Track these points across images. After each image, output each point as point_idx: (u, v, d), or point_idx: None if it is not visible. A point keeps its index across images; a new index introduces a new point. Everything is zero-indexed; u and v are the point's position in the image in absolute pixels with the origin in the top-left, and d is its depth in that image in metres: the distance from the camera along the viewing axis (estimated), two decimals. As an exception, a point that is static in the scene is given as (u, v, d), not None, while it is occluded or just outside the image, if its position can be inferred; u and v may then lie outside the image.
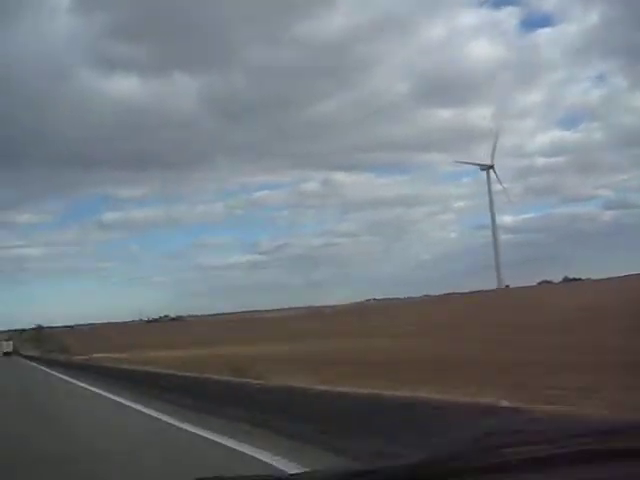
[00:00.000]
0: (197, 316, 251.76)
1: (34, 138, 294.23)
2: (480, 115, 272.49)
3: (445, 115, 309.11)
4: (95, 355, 50.30)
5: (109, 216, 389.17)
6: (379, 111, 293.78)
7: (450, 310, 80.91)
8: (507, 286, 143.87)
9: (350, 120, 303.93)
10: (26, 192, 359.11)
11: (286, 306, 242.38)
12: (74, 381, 24.93)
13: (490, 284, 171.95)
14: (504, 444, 1.58)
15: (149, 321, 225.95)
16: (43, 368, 40.91)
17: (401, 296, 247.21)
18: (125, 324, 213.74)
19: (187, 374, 17.13)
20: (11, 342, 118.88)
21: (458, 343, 28.85)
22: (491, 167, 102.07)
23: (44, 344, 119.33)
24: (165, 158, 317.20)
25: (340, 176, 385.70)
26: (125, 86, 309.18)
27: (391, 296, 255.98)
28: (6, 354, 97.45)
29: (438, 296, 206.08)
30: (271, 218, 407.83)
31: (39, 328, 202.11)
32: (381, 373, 15.64)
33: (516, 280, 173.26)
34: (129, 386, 18.27)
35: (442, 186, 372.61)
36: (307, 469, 1.89)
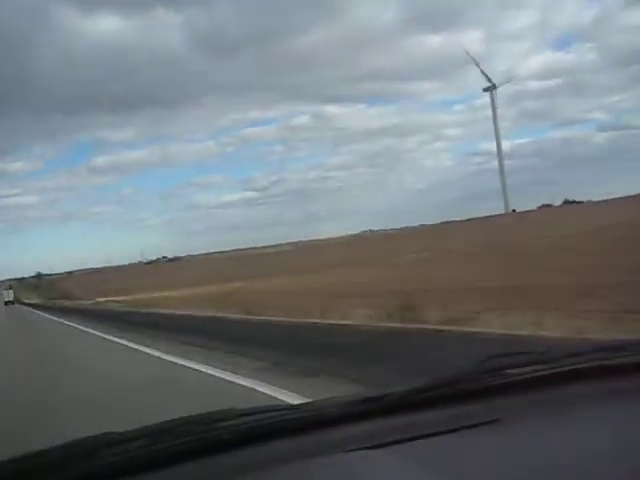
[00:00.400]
0: (194, 256, 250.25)
1: (18, 84, 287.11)
2: (470, 40, 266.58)
3: (433, 42, 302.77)
4: (99, 299, 48.05)
5: (100, 160, 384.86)
6: (367, 41, 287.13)
7: (462, 236, 78.20)
8: (514, 210, 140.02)
9: (338, 51, 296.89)
10: (15, 140, 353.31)
11: (283, 241, 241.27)
12: (82, 327, 22.64)
13: (488, 211, 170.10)
14: (507, 365, 1.68)
15: (147, 263, 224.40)
16: (47, 316, 38.29)
17: (397, 226, 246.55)
18: (123, 267, 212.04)
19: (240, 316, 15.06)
20: (12, 291, 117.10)
21: (493, 269, 25.82)
22: (495, 87, 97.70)
23: (45, 291, 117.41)
24: (153, 98, 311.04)
25: (331, 108, 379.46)
26: (107, 25, 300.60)
27: (387, 227, 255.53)
28: (7, 303, 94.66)
29: (435, 225, 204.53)
30: (264, 154, 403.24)
31: (39, 276, 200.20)
32: (441, 302, 12.97)
33: (516, 205, 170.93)
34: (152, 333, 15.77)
35: (433, 114, 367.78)
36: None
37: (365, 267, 42.58)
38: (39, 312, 45.29)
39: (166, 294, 41.42)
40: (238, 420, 1.50)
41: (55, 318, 32.29)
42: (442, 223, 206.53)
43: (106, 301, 40.55)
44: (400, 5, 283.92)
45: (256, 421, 1.50)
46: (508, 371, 1.60)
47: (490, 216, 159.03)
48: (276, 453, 1.41)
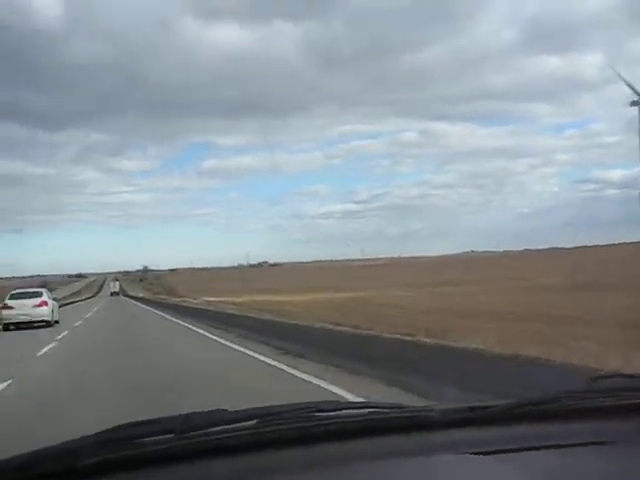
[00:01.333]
0: (295, 263, 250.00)
1: (139, 87, 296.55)
2: (589, 63, 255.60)
3: (551, 63, 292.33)
4: (207, 299, 46.01)
5: (209, 163, 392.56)
6: (483, 59, 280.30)
7: (582, 263, 72.47)
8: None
9: (452, 68, 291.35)
10: (132, 139, 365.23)
11: (380, 256, 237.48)
12: (207, 333, 18.47)
13: (597, 240, 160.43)
14: (619, 387, 1.63)
15: (251, 266, 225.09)
16: (157, 312, 36.18)
17: (499, 249, 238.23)
18: (225, 269, 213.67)
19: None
20: (118, 283, 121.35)
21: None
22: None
23: (150, 286, 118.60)
24: (265, 106, 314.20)
25: (440, 126, 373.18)
26: (226, 35, 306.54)
27: (490, 249, 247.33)
28: (113, 294, 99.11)
29: (540, 250, 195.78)
30: (368, 167, 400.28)
31: (145, 270, 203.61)
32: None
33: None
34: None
35: (544, 138, 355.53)
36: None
37: (487, 288, 38.66)
38: (149, 308, 43.10)
39: (279, 299, 38.78)
40: (345, 412, 1.53)
41: (169, 317, 29.43)
42: (548, 249, 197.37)
43: (217, 302, 38.11)
44: (520, 24, 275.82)
45: (362, 415, 1.52)
46: (620, 393, 1.50)
47: (600, 245, 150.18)
48: (383, 448, 1.41)
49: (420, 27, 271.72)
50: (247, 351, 13.02)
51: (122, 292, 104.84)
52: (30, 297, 25.01)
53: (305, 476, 1.32)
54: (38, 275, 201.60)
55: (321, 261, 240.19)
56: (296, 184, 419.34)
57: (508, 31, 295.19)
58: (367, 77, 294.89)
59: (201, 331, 19.58)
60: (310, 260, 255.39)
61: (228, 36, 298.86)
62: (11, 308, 24.18)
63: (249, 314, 21.71)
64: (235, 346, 14.23)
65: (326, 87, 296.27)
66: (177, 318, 27.18)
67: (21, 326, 23.47)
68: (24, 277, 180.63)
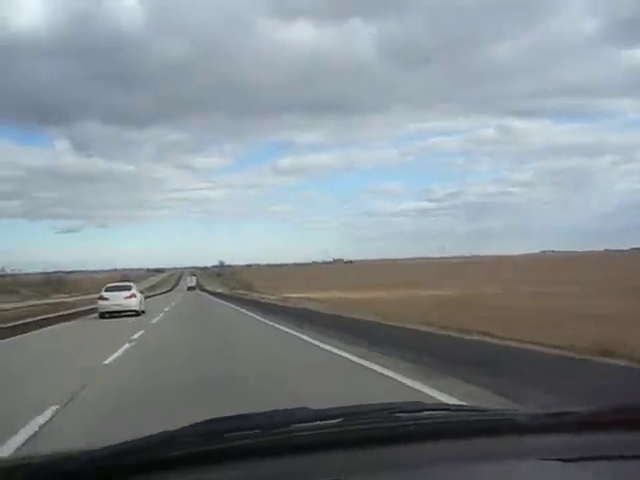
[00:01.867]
0: (368, 260, 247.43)
1: (217, 86, 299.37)
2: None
3: (635, 55, 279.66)
4: (287, 295, 43.99)
5: (285, 161, 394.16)
6: (563, 53, 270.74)
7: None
8: None
9: (531, 63, 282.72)
10: (210, 137, 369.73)
11: (456, 254, 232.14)
12: (303, 336, 14.96)
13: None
14: None
15: (327, 262, 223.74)
16: (238, 309, 33.15)
17: (579, 249, 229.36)
18: (298, 265, 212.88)
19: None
20: (195, 277, 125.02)
21: None
22: None
23: (226, 281, 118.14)
24: (341, 104, 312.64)
25: (517, 123, 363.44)
26: (303, 34, 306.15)
27: (569, 249, 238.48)
28: (190, 289, 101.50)
29: (624, 251, 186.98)
30: (444, 165, 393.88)
31: (221, 265, 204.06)
32: None
33: None
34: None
35: (627, 134, 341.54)
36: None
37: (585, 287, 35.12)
38: (228, 304, 40.64)
39: (363, 296, 36.35)
40: (428, 414, 1.52)
41: (252, 314, 26.86)
42: (633, 249, 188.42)
43: (298, 298, 35.91)
44: (603, 16, 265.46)
45: (444, 417, 1.51)
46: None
47: None
48: (465, 451, 1.38)
49: (498, 21, 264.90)
50: (372, 366, 9.32)
51: (199, 287, 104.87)
52: (121, 290, 28.52)
53: (386, 476, 1.30)
54: (117, 269, 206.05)
55: (395, 259, 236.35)
56: (370, 182, 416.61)
57: (590, 23, 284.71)
58: (444, 74, 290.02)
59: (291, 331, 16.95)
60: (384, 257, 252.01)
61: (305, 35, 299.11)
62: (106, 299, 27.72)
63: (342, 314, 19.16)
64: (354, 358, 10.39)
65: (402, 84, 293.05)
66: (261, 316, 24.50)
67: (113, 315, 26.97)
68: (106, 270, 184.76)
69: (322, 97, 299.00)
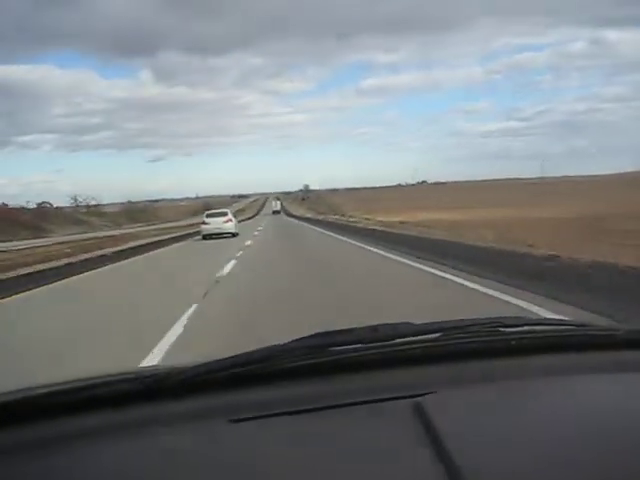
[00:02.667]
0: (454, 182, 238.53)
1: (296, 8, 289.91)
2: None
3: None
4: (380, 218, 39.21)
5: (367, 82, 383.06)
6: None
7: None
8: None
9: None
10: (292, 61, 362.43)
11: (545, 175, 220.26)
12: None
13: None
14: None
15: (413, 184, 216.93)
16: (335, 235, 27.98)
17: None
18: (383, 188, 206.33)
19: None
20: (279, 202, 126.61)
21: None
22: None
23: (313, 205, 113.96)
24: (425, 22, 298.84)
25: (610, 34, 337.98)
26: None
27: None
28: (275, 212, 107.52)
29: None
30: (531, 82, 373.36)
31: (306, 189, 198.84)
32: None
33: None
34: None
35: None
36: None
37: None
38: (320, 230, 35.11)
39: (466, 217, 31.29)
40: (529, 328, 1.50)
41: (354, 242, 22.14)
42: None
43: (401, 223, 30.98)
44: None
45: (545, 332, 1.49)
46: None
47: None
48: (564, 365, 1.37)
49: None
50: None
51: (285, 212, 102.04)
52: (220, 216, 33.03)
53: (485, 388, 1.28)
54: (201, 197, 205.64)
55: (484, 180, 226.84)
56: (455, 102, 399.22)
57: None
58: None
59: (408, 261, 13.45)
60: (471, 179, 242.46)
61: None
62: (208, 224, 32.24)
63: (459, 240, 15.01)
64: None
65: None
66: (368, 245, 19.61)
67: (213, 237, 31.12)
68: (190, 198, 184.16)
69: (406, 14, 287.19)
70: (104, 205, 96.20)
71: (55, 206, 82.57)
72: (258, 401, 1.24)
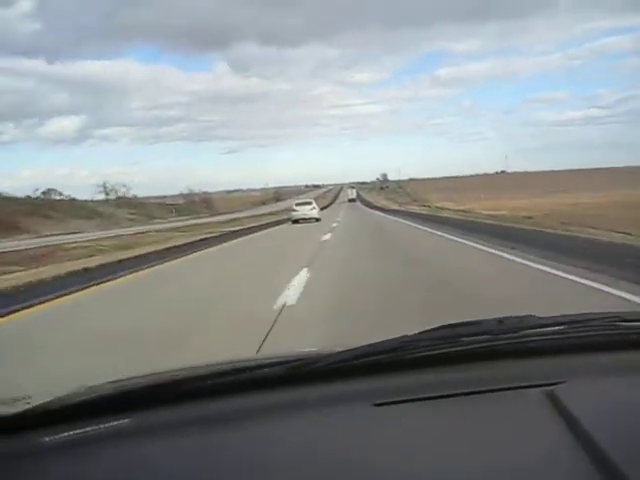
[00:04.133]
0: (536, 172, 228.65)
1: None
2: None
3: None
4: (484, 211, 33.69)
5: (443, 72, 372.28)
6: None
7: None
8: None
9: None
10: (366, 52, 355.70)
11: (625, 165, 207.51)
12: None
13: None
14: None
15: (486, 175, 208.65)
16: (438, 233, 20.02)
17: None
18: (462, 178, 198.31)
19: None
20: (355, 190, 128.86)
21: None
22: None
23: (393, 195, 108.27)
24: (503, 8, 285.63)
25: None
26: None
27: None
28: (350, 200, 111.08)
29: None
30: (614, 68, 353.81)
31: (384, 179, 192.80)
32: None
33: None
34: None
35: None
36: None
37: None
38: (411, 223, 28.04)
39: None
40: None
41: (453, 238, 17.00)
42: None
43: (510, 216, 25.33)
44: None
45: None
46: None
47: None
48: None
49: None
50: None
51: (363, 202, 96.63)
52: (306, 205, 38.72)
53: (609, 381, 1.27)
54: (275, 187, 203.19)
55: (558, 171, 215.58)
56: (533, 90, 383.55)
57: None
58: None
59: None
60: (545, 169, 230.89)
61: None
62: (296, 211, 37.59)
63: None
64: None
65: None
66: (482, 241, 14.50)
67: (300, 221, 35.95)
68: (263, 189, 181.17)
69: (479, 1, 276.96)
70: (164, 197, 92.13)
71: (65, 196, 71.14)
72: (398, 387, 1.27)
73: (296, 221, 36.30)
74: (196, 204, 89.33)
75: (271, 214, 64.54)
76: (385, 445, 1.06)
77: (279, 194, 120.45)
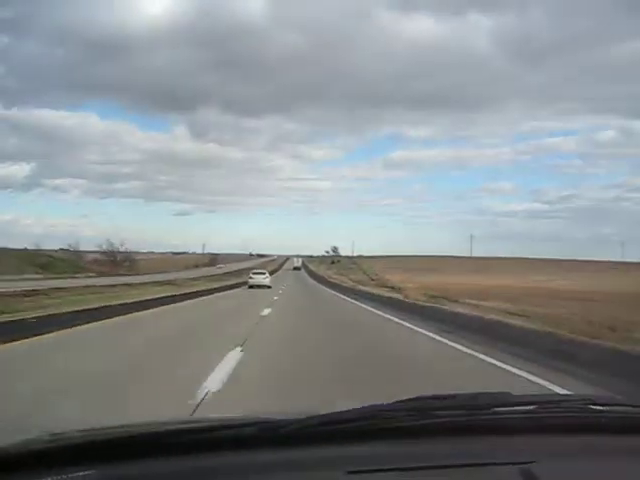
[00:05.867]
0: (478, 258, 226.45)
1: (333, 78, 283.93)
2: None
3: None
4: (474, 302, 26.01)
5: (396, 155, 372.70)
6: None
7: None
8: None
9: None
10: (322, 128, 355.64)
11: (569, 257, 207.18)
12: None
13: None
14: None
15: (439, 256, 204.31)
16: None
17: None
18: (405, 258, 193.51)
19: None
20: (301, 259, 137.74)
21: None
22: None
23: (344, 270, 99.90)
24: (455, 99, 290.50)
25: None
26: (419, 27, 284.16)
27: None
28: (295, 268, 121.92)
29: None
30: (559, 167, 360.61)
31: (335, 253, 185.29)
32: None
33: None
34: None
35: None
36: None
37: None
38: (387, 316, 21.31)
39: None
40: (622, 409, 1.49)
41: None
42: None
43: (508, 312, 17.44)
44: None
45: (635, 413, 1.48)
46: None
47: None
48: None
49: (622, 18, 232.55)
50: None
51: (312, 275, 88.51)
52: (260, 274, 46.84)
53: (574, 464, 1.27)
54: (220, 253, 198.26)
55: (500, 258, 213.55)
56: (482, 180, 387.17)
57: None
58: (562, 72, 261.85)
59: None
60: (496, 256, 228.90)
61: (421, 28, 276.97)
62: (252, 278, 45.19)
63: None
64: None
65: (520, 81, 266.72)
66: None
67: (254, 287, 42.10)
68: (214, 254, 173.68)
69: (438, 91, 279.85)
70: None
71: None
72: (372, 455, 1.25)
73: (252, 287, 42.20)
74: (116, 262, 78.48)
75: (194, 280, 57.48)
76: None
77: (215, 256, 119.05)
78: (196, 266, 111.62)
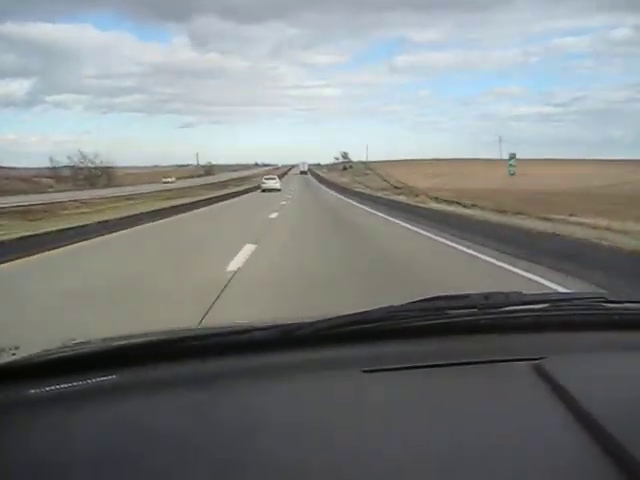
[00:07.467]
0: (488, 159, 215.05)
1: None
2: None
3: None
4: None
5: (401, 59, 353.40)
6: None
7: None
8: None
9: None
10: (327, 33, 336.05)
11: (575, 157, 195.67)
12: None
13: None
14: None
15: (440, 160, 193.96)
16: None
17: None
18: (412, 161, 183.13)
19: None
20: (306, 164, 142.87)
21: None
22: None
23: (359, 177, 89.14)
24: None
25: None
26: None
27: None
28: (302, 172, 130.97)
29: None
30: (570, 68, 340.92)
31: (344, 158, 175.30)
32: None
33: None
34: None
35: None
36: None
37: None
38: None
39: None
40: (626, 305, 1.48)
41: None
42: None
43: None
44: None
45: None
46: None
47: None
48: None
49: None
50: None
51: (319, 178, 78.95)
52: (271, 179, 54.61)
53: (585, 360, 1.26)
54: (228, 164, 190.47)
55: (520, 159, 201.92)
56: (490, 84, 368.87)
57: None
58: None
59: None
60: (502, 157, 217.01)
61: None
62: (265, 183, 52.75)
63: None
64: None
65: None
66: None
67: (266, 190, 49.01)
68: (217, 165, 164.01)
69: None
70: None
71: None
72: (386, 355, 1.26)
73: (264, 190, 49.09)
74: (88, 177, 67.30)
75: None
76: (373, 410, 1.05)
77: (210, 170, 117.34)
78: (191, 177, 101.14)
